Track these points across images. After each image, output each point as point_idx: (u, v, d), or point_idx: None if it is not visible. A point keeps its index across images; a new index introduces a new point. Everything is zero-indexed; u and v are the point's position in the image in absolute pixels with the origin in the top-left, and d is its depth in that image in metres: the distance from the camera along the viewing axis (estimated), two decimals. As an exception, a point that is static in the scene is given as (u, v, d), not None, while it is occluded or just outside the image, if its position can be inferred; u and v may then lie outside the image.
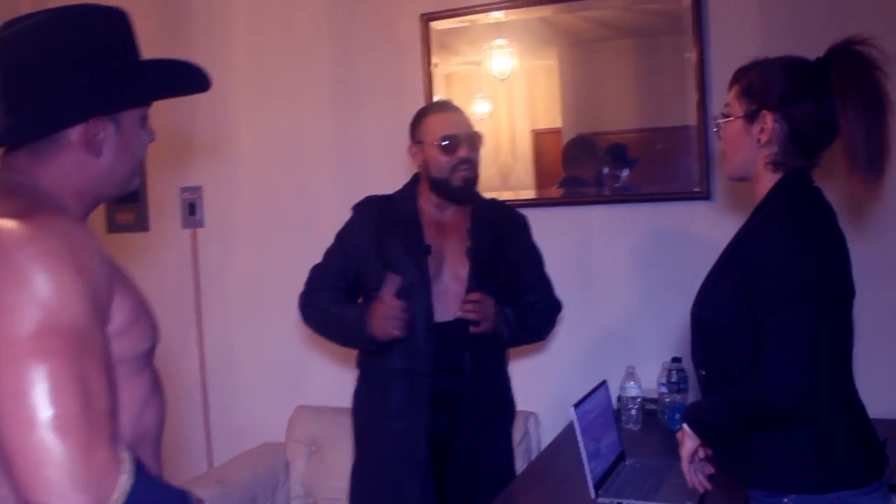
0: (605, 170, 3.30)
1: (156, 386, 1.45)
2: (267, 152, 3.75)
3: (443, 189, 2.58)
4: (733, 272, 1.86)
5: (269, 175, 3.75)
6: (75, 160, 1.38)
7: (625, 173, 3.27)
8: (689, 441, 1.92)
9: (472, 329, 2.48)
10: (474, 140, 2.61)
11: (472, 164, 2.58)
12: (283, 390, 3.67)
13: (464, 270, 2.56)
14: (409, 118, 3.54)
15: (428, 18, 3.47)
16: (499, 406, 2.67)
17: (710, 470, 1.98)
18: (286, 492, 3.40)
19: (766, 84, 1.88)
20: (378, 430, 2.62)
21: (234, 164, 3.80)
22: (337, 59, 3.63)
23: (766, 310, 1.75)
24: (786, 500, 1.81)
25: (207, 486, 3.10)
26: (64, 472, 1.11)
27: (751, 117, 1.89)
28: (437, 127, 2.58)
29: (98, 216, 3.94)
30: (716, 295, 1.92)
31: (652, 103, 3.27)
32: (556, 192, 3.38)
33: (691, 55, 3.08)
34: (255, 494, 3.26)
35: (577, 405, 2.31)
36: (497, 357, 2.67)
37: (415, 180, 2.69)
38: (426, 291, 2.52)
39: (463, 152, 2.55)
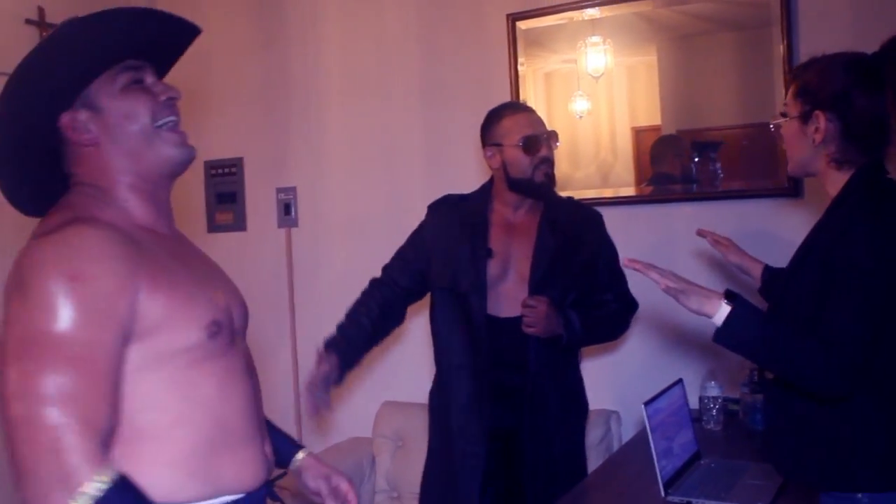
0: (695, 168, 3.26)
1: (231, 373, 1.51)
2: (358, 153, 3.85)
3: (524, 187, 2.59)
4: (810, 271, 1.83)
5: (359, 175, 3.84)
6: (88, 154, 1.49)
7: (717, 165, 3.22)
8: (698, 306, 1.83)
9: (525, 330, 2.50)
10: (551, 139, 2.63)
11: (550, 162, 2.60)
12: (371, 386, 3.74)
13: (528, 270, 2.57)
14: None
15: (514, 18, 3.49)
16: (568, 404, 2.65)
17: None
18: (371, 485, 3.47)
19: (819, 84, 1.87)
20: (443, 426, 2.67)
21: (327, 165, 3.91)
22: (425, 61, 3.69)
23: (832, 284, 1.75)
24: (860, 495, 1.78)
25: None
26: (37, 469, 1.23)
27: (805, 117, 1.89)
28: (515, 128, 2.58)
29: (198, 217, 4.13)
30: (793, 293, 1.88)
31: (747, 99, 3.21)
32: (647, 189, 3.35)
33: (780, 48, 3.01)
34: (342, 487, 3.33)
35: (647, 403, 2.29)
36: (566, 355, 2.65)
37: (491, 182, 2.72)
38: (482, 294, 2.55)
39: (544, 151, 2.57)
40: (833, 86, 1.85)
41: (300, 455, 1.84)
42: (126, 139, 1.49)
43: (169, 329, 1.39)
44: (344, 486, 1.82)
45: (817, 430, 1.84)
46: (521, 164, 2.56)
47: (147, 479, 1.37)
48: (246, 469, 1.52)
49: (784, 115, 1.95)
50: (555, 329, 2.52)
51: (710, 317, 1.82)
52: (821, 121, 1.86)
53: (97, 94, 1.48)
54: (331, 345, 2.58)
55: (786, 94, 1.99)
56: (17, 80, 1.43)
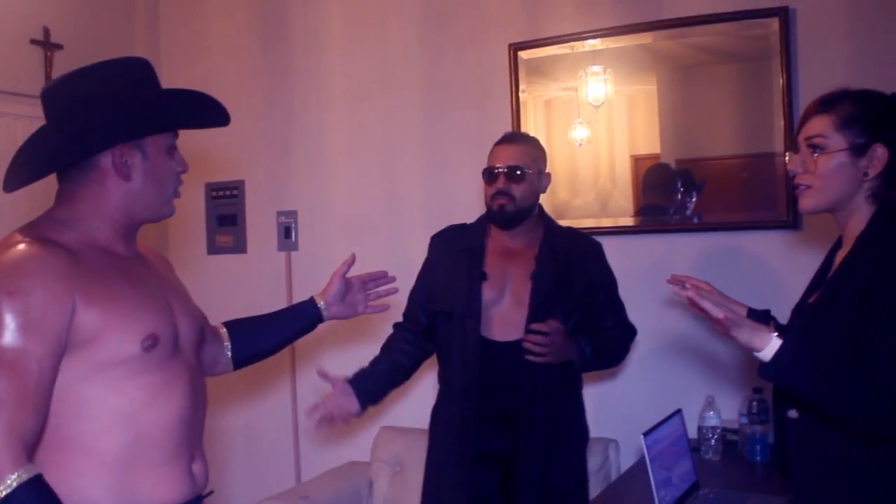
0: (679, 198, 3.29)
1: (166, 388, 1.62)
2: (359, 179, 3.86)
3: (488, 214, 2.70)
4: (844, 308, 1.78)
5: (360, 201, 3.86)
6: (108, 184, 1.63)
7: (693, 198, 3.25)
8: (748, 339, 1.73)
9: (529, 358, 2.52)
10: (513, 175, 2.63)
11: (507, 195, 2.63)
12: (370, 410, 3.72)
13: (527, 295, 2.60)
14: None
15: (516, 48, 3.52)
16: (563, 430, 2.66)
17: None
18: (369, 510, 3.48)
19: (874, 115, 1.82)
20: (435, 447, 2.75)
21: (328, 190, 3.93)
22: (428, 88, 3.71)
23: (877, 322, 1.70)
24: None
25: (292, 501, 3.19)
26: None
27: (858, 150, 1.82)
28: (489, 158, 2.71)
29: (199, 239, 4.13)
30: (824, 330, 1.83)
31: (746, 130, 3.23)
32: (636, 219, 3.37)
33: (779, 80, 3.04)
34: (338, 511, 3.33)
35: (647, 433, 2.30)
36: (566, 381, 2.67)
37: None
38: (476, 316, 2.61)
39: (499, 184, 2.64)
40: (888, 118, 1.81)
41: (320, 303, 2.20)
42: (149, 194, 1.68)
43: (105, 340, 1.52)
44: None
45: (851, 471, 1.79)
46: (485, 192, 2.69)
47: (66, 487, 1.48)
48: (164, 486, 1.62)
49: (818, 147, 1.85)
50: (567, 355, 2.56)
51: (757, 351, 1.75)
52: (880, 153, 1.80)
53: (150, 145, 1.66)
54: (352, 381, 2.74)
55: (799, 126, 1.92)
56: (118, 94, 1.61)
